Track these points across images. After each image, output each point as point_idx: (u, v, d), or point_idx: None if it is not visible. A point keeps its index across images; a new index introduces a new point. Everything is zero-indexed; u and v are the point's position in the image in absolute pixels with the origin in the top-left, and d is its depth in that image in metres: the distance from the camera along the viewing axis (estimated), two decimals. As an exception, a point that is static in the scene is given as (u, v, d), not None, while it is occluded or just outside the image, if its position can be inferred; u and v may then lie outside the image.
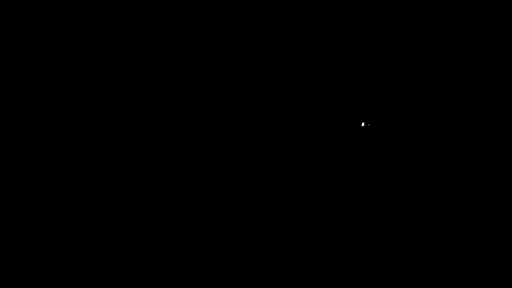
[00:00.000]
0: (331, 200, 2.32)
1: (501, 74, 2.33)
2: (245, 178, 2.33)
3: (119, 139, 2.32)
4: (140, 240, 2.26)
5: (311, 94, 2.36)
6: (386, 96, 2.35)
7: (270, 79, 2.36)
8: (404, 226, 2.29)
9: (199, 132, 2.34)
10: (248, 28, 2.36)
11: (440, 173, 2.33)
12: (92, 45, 2.33)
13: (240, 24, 2.35)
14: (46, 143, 2.29)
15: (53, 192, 2.27)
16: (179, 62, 2.35)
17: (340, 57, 2.36)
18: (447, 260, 2.25)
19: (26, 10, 2.31)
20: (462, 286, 2.23)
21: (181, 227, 2.28)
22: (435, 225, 2.29)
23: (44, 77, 2.31)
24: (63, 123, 2.30)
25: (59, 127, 2.30)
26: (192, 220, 2.29)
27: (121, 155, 2.31)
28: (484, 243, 2.26)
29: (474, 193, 2.31)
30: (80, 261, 2.22)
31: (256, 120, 2.35)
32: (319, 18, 2.36)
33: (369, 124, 2.17)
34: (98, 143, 2.31)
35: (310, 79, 2.36)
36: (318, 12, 2.36)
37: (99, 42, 2.33)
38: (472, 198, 2.30)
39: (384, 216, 2.31)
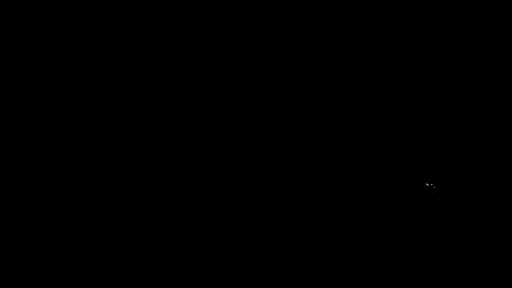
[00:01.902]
0: (331, 200, 2.32)
1: (501, 74, 2.33)
2: (245, 178, 2.33)
3: (119, 139, 2.32)
4: (140, 240, 2.26)
5: (311, 94, 2.36)
6: (386, 96, 2.36)
7: (270, 79, 2.36)
8: (404, 226, 2.29)
9: (199, 132, 2.34)
10: (248, 28, 2.36)
11: (440, 173, 2.33)
12: (92, 45, 2.33)
13: (240, 24, 2.36)
14: (46, 143, 2.29)
15: (53, 192, 2.27)
16: (179, 62, 2.35)
17: (340, 57, 2.36)
18: (447, 260, 2.25)
19: (26, 10, 2.31)
20: (462, 286, 2.23)
21: (181, 227, 2.28)
22: (435, 225, 2.29)
23: (44, 77, 2.31)
24: (63, 123, 2.31)
25: (59, 127, 2.30)
26: (192, 220, 2.29)
27: (121, 155, 2.31)
28: (484, 243, 2.26)
29: (474, 193, 2.31)
30: (80, 261, 2.22)
31: (256, 120, 2.35)
32: (319, 18, 2.36)
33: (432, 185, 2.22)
34: (98, 143, 2.31)
35: (310, 79, 2.37)
36: (318, 12, 2.36)
37: (99, 42, 2.33)
38: (472, 198, 2.30)
39: (384, 216, 2.31)
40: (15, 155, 2.28)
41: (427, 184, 2.25)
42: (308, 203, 2.32)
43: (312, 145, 2.34)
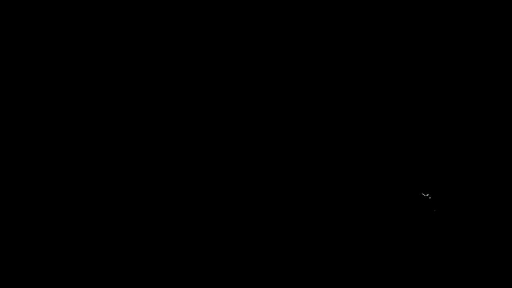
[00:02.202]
0: (331, 200, 2.32)
1: (501, 74, 2.33)
2: (245, 178, 2.33)
3: (119, 139, 2.32)
4: (140, 240, 2.26)
5: (311, 94, 2.36)
6: (386, 96, 2.36)
7: (270, 79, 2.36)
8: (404, 226, 2.30)
9: (199, 132, 2.34)
10: (248, 28, 2.36)
11: (440, 173, 2.33)
12: (92, 45, 2.33)
13: (240, 24, 2.36)
14: (46, 143, 2.29)
15: (53, 192, 2.27)
16: (179, 62, 2.35)
17: (340, 57, 2.36)
18: (447, 260, 2.25)
19: (26, 10, 2.31)
20: (462, 286, 2.23)
21: (181, 227, 2.28)
22: (435, 226, 2.29)
23: (44, 77, 2.31)
24: (63, 123, 2.31)
25: (59, 127, 2.30)
26: (192, 220, 2.29)
27: (121, 155, 2.31)
28: (484, 243, 2.26)
29: (474, 193, 2.31)
30: (80, 261, 2.22)
31: (256, 120, 2.35)
32: (319, 18, 2.36)
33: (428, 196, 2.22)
34: (98, 143, 2.31)
35: (310, 79, 2.37)
36: (318, 12, 2.36)
37: (99, 42, 2.33)
38: (472, 198, 2.30)
39: (384, 216, 2.31)
40: (15, 155, 2.27)
41: (423, 194, 2.25)
42: (304, 207, 2.32)
43: (309, 148, 2.35)
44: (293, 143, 2.35)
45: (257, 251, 2.27)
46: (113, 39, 2.33)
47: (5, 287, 2.17)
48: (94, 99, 2.32)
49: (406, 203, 2.30)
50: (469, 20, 2.34)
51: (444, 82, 2.34)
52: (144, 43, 2.34)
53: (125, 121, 2.32)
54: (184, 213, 2.30)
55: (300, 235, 2.29)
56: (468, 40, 2.34)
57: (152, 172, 2.31)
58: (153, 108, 2.34)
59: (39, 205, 2.25)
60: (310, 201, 2.32)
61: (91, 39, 2.33)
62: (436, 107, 2.34)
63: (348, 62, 2.36)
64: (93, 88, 2.33)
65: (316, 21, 2.36)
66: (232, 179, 2.32)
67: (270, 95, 2.36)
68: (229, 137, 2.34)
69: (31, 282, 2.19)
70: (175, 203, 2.30)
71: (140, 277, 2.23)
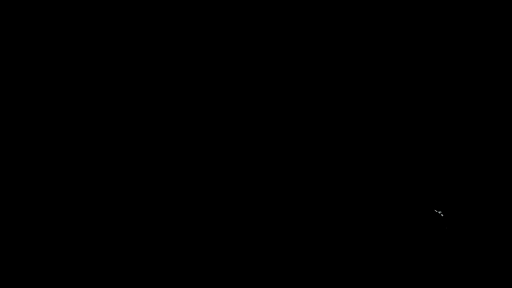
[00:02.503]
0: (331, 200, 2.32)
1: (501, 74, 2.33)
2: (245, 178, 2.33)
3: (119, 139, 2.32)
4: (140, 240, 2.26)
5: (311, 94, 2.36)
6: (386, 96, 2.35)
7: (270, 80, 2.36)
8: (404, 226, 2.30)
9: (199, 132, 2.34)
10: (248, 28, 2.36)
11: (440, 173, 2.32)
12: (92, 45, 2.33)
13: (240, 24, 2.36)
14: (46, 143, 2.29)
15: (53, 192, 2.27)
16: (179, 62, 2.36)
17: (341, 57, 2.36)
18: (447, 260, 2.25)
19: (26, 10, 2.31)
20: (462, 286, 2.23)
21: (181, 227, 2.29)
22: (435, 226, 2.29)
23: (44, 77, 2.32)
24: (63, 123, 2.31)
25: (59, 127, 2.30)
26: (192, 220, 2.29)
27: (121, 155, 2.31)
28: (484, 243, 2.26)
29: (474, 193, 2.30)
30: (80, 261, 2.22)
31: (256, 120, 2.35)
32: (319, 18, 2.36)
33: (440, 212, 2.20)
34: (98, 143, 2.31)
35: (310, 79, 2.37)
36: (318, 12, 2.36)
37: (99, 42, 2.33)
38: (472, 198, 2.30)
39: (384, 216, 2.31)
40: (15, 155, 2.28)
41: (435, 210, 2.23)
42: (306, 208, 2.32)
43: (311, 149, 2.35)
44: (295, 144, 2.35)
45: (257, 251, 2.27)
46: (113, 39, 2.34)
47: (5, 287, 2.17)
48: (94, 99, 2.32)
49: (418, 219, 2.29)
50: (469, 20, 2.34)
51: (458, 90, 2.34)
52: (144, 43, 2.35)
53: (125, 121, 2.33)
54: (184, 213, 2.30)
55: (304, 239, 2.29)
56: (470, 40, 2.34)
57: (152, 172, 2.31)
58: (153, 108, 2.34)
59: (39, 205, 2.26)
60: (317, 212, 2.32)
61: (90, 39, 2.33)
62: (452, 118, 2.33)
63: (350, 62, 2.36)
64: (92, 88, 2.33)
65: (316, 21, 2.36)
66: (232, 179, 2.33)
67: (270, 95, 2.36)
68: (229, 137, 2.34)
69: (31, 282, 2.19)
70: (175, 202, 2.30)
71: (140, 277, 2.23)
